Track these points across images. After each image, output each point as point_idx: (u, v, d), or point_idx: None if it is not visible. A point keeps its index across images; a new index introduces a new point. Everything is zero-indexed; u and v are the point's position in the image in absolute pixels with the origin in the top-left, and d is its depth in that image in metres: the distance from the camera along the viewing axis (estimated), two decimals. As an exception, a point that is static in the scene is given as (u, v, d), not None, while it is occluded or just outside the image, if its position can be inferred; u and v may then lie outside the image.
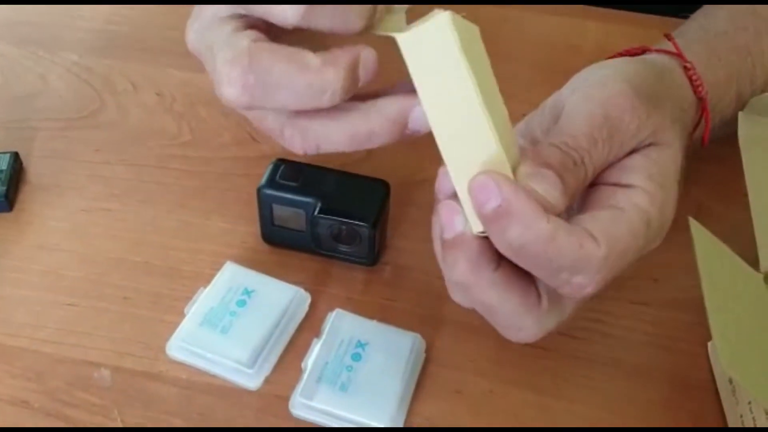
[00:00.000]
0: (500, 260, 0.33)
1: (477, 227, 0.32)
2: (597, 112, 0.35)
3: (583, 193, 0.36)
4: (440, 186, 0.33)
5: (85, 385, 0.41)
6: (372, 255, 0.46)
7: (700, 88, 0.42)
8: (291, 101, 0.31)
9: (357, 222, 0.44)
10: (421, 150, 0.54)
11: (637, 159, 0.36)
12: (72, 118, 0.55)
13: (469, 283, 0.33)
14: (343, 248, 0.46)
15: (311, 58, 0.31)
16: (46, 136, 0.54)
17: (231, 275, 0.44)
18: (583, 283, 0.32)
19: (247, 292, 0.43)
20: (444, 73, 0.30)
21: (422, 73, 0.31)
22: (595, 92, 0.36)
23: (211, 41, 0.33)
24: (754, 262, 0.40)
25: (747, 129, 0.40)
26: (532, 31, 0.64)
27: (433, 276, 0.47)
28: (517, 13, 0.65)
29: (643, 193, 0.35)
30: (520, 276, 0.33)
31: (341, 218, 0.44)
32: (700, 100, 0.42)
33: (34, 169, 0.52)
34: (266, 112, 0.34)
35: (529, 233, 0.30)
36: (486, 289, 0.33)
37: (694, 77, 0.42)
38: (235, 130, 0.55)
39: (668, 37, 0.45)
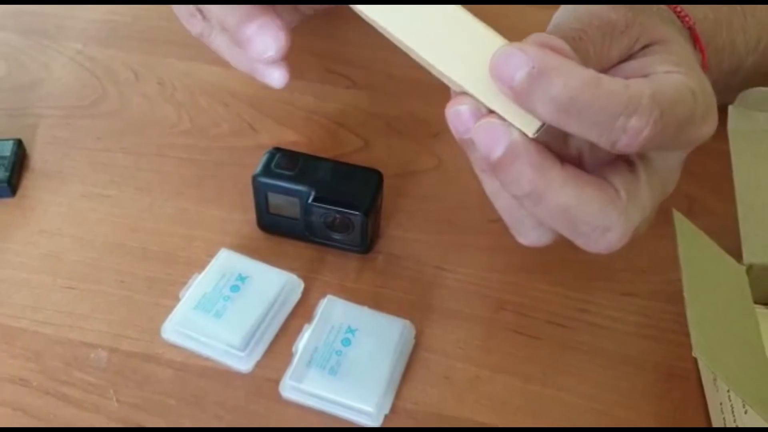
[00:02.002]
0: (562, 160, 0.31)
1: (531, 126, 0.30)
2: (581, 11, 0.35)
3: None
4: (457, 124, 0.32)
5: (82, 365, 0.42)
6: (365, 243, 0.47)
7: (686, 18, 0.40)
8: None
9: (350, 210, 0.45)
10: (415, 142, 0.55)
11: (647, 55, 0.34)
12: (74, 106, 0.56)
13: (540, 188, 0.30)
14: (336, 236, 0.47)
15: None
16: (49, 124, 0.55)
17: (225, 261, 0.45)
18: (639, 126, 0.29)
19: (241, 278, 0.44)
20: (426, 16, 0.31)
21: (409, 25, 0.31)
22: (579, 7, 0.35)
23: None
24: (741, 256, 0.41)
25: (736, 122, 0.41)
26: (532, 27, 0.65)
27: (425, 265, 0.48)
28: (517, 10, 0.66)
29: (674, 73, 0.32)
30: (588, 171, 0.32)
31: (335, 207, 0.45)
32: (690, 30, 0.40)
33: (37, 155, 0.53)
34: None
35: (573, 81, 0.28)
36: (560, 188, 0.30)
37: (678, 9, 0.40)
38: (233, 120, 0.56)
39: None
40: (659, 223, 0.50)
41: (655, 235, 0.49)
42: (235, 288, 0.44)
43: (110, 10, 0.63)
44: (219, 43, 0.41)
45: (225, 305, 0.43)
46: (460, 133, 0.32)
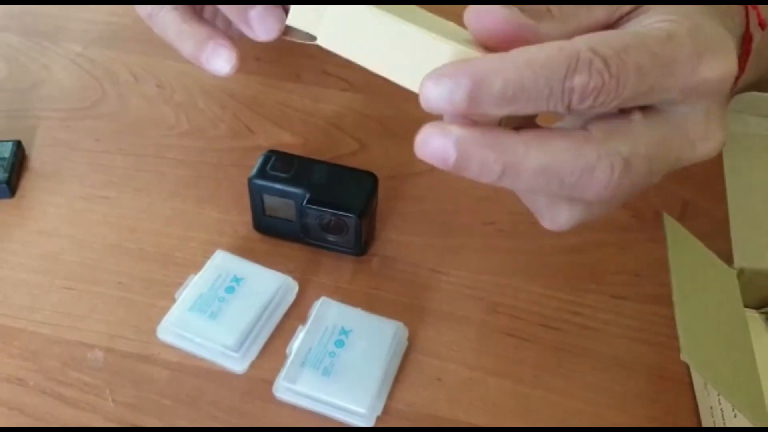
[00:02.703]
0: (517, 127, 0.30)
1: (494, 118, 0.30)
2: None
3: None
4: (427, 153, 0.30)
5: (78, 365, 0.43)
6: (359, 245, 0.47)
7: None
8: None
9: (344, 213, 0.45)
10: (411, 144, 0.55)
11: (641, 14, 0.32)
12: (74, 108, 0.57)
13: (509, 163, 0.29)
14: (331, 238, 0.47)
15: None
16: (49, 125, 0.55)
17: (221, 262, 0.46)
18: (583, 81, 0.28)
19: (237, 280, 0.45)
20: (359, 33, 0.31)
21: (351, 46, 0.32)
22: None
23: None
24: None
25: (729, 126, 0.41)
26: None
27: (420, 267, 0.48)
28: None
29: (657, 24, 0.30)
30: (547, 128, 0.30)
31: (329, 209, 0.45)
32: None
33: (36, 156, 0.53)
34: None
35: (509, 72, 0.28)
36: (527, 153, 0.29)
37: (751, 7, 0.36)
38: (231, 122, 0.56)
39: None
40: (651, 227, 0.51)
41: (647, 238, 0.50)
42: (230, 289, 0.44)
43: (110, 12, 0.64)
44: (166, 21, 0.40)
45: (220, 306, 0.43)
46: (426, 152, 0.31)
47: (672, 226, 0.36)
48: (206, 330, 0.43)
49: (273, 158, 0.47)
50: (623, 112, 0.31)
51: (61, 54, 0.60)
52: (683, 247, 0.36)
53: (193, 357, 0.43)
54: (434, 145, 0.29)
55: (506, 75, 0.28)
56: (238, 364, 0.42)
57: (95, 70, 0.59)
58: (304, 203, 0.46)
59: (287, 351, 0.43)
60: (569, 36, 0.30)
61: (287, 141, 0.55)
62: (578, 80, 0.28)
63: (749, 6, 0.37)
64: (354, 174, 0.47)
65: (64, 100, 0.57)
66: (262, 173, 0.46)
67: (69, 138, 0.54)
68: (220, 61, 0.38)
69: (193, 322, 0.43)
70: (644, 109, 0.31)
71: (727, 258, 0.42)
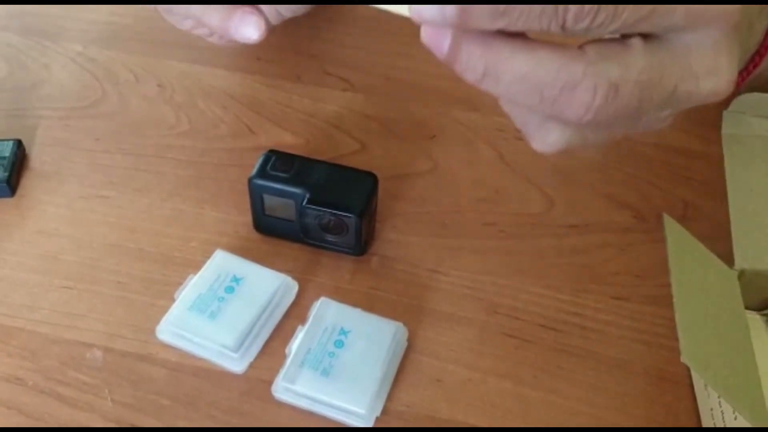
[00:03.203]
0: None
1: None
2: None
3: None
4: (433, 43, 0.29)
5: (77, 364, 0.43)
6: (359, 245, 0.47)
7: None
8: None
9: (344, 213, 0.45)
10: (412, 144, 0.56)
11: None
12: (74, 107, 0.57)
13: (492, 63, 0.28)
14: (331, 238, 0.47)
15: None
16: (49, 125, 0.55)
17: (221, 262, 0.45)
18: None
19: (236, 279, 0.45)
20: None
21: None
22: None
23: None
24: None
25: (730, 127, 0.41)
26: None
27: (419, 267, 0.48)
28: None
29: None
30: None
31: (329, 209, 0.45)
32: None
33: (36, 156, 0.53)
34: None
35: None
36: (511, 57, 0.28)
37: None
38: (231, 122, 0.56)
39: None
40: (653, 228, 0.51)
41: (648, 239, 0.50)
42: (229, 289, 0.44)
43: (111, 12, 0.64)
44: None
45: (220, 306, 0.43)
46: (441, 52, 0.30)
47: (672, 227, 0.36)
48: (205, 330, 0.42)
49: (273, 158, 0.47)
50: (624, 38, 0.29)
51: (62, 53, 0.60)
52: (684, 249, 0.36)
53: (192, 357, 0.43)
54: (433, 30, 0.29)
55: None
56: (237, 364, 0.42)
57: (96, 69, 0.59)
58: (304, 203, 0.45)
59: (286, 351, 0.42)
60: None
61: (287, 141, 0.55)
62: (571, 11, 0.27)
63: None
64: (354, 174, 0.47)
65: (65, 99, 0.57)
66: (262, 173, 0.46)
67: (69, 137, 0.54)
68: (249, 28, 0.39)
69: (192, 322, 0.43)
70: (646, 36, 0.29)
71: (728, 259, 0.42)
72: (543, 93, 0.29)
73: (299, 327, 0.43)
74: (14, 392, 0.41)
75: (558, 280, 0.47)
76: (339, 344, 0.42)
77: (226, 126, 0.56)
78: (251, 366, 0.43)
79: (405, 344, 0.44)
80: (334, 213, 0.45)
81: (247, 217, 0.49)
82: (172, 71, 0.59)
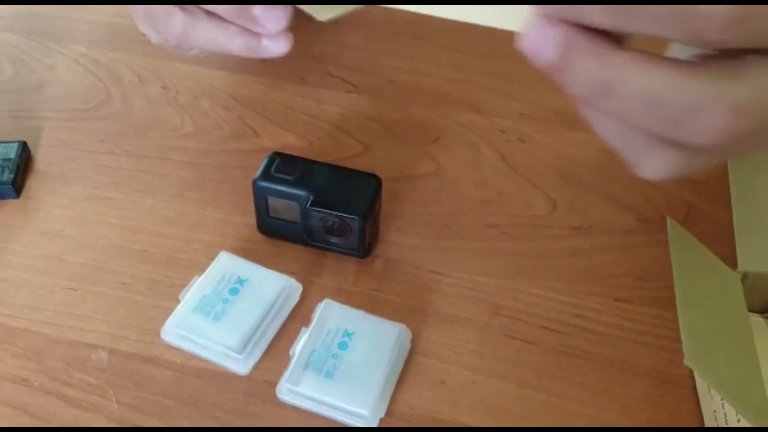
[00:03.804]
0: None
1: None
2: None
3: None
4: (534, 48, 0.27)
5: (82, 365, 0.43)
6: (362, 247, 0.47)
7: None
8: None
9: (348, 215, 0.45)
10: (415, 147, 0.56)
11: None
12: (79, 108, 0.57)
13: (606, 78, 0.26)
14: (334, 240, 0.47)
15: None
16: (54, 126, 0.55)
17: (225, 264, 0.46)
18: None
19: (240, 281, 0.45)
20: None
21: None
22: None
23: None
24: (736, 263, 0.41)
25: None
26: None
27: (423, 269, 0.48)
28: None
29: None
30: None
31: (333, 211, 0.45)
32: None
33: (41, 157, 0.53)
34: None
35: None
36: (627, 71, 0.26)
37: None
38: (235, 124, 0.56)
39: None
40: (655, 230, 0.51)
41: (651, 241, 0.50)
42: (234, 291, 0.44)
43: (115, 13, 0.64)
44: (205, 29, 0.40)
45: (224, 308, 0.44)
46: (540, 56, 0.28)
47: (676, 229, 0.36)
48: (210, 331, 0.43)
49: (277, 160, 0.47)
50: (741, 54, 0.27)
51: (66, 55, 0.60)
52: (687, 252, 0.36)
53: (197, 358, 0.43)
54: (535, 36, 0.27)
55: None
56: (241, 366, 0.42)
57: (100, 71, 0.59)
58: (308, 205, 0.46)
59: (290, 353, 0.43)
60: None
61: (291, 143, 0.55)
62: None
63: None
64: (358, 176, 0.47)
65: (69, 100, 0.57)
66: (266, 175, 0.46)
67: (74, 139, 0.55)
68: (278, 45, 0.39)
69: (196, 324, 0.43)
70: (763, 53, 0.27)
71: (731, 262, 0.42)
72: (664, 114, 0.26)
73: (303, 329, 0.43)
74: (20, 393, 0.41)
75: (560, 281, 0.48)
76: (343, 346, 0.42)
77: (230, 127, 0.56)
78: (255, 367, 0.43)
79: (408, 346, 0.44)
80: (338, 215, 0.45)
81: (250, 219, 0.49)
82: (176, 73, 0.59)
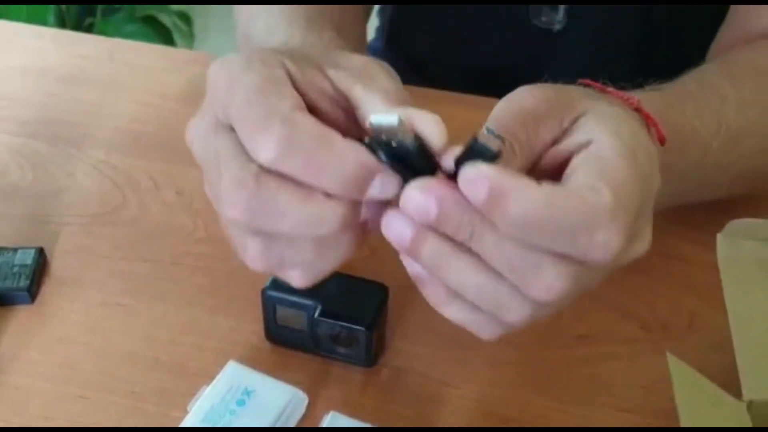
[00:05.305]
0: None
1: None
2: (497, 111, 0.35)
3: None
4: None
5: (90, 478, 0.43)
6: (369, 357, 0.48)
7: (631, 100, 0.40)
8: (289, 228, 0.34)
9: (355, 325, 0.46)
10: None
11: (580, 126, 0.35)
12: (96, 213, 0.58)
13: (442, 266, 0.34)
14: (341, 350, 0.48)
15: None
16: (71, 231, 0.57)
17: (232, 375, 0.46)
18: (606, 239, 0.30)
19: (247, 392, 0.45)
20: None
21: None
22: (495, 108, 0.36)
23: (216, 149, 0.35)
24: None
25: (726, 251, 0.42)
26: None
27: (430, 378, 0.48)
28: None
29: (605, 136, 0.34)
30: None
31: (340, 321, 0.46)
32: (638, 111, 0.40)
33: (57, 263, 0.55)
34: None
35: (527, 204, 0.30)
36: (466, 267, 0.33)
37: (620, 93, 0.40)
38: (247, 229, 0.57)
39: None
40: (659, 338, 0.51)
41: (654, 350, 0.51)
42: (240, 402, 0.45)
43: (133, 118, 0.66)
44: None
45: (231, 420, 0.44)
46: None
47: (677, 365, 0.37)
48: (217, 445, 0.43)
49: (286, 270, 0.48)
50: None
51: (85, 161, 0.63)
52: (690, 386, 0.36)
53: (203, 471, 0.43)
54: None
55: (525, 205, 0.30)
56: (247, 480, 0.43)
57: (117, 176, 0.61)
58: (315, 315, 0.47)
59: (296, 467, 0.43)
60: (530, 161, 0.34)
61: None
62: (599, 237, 0.31)
63: (648, 122, 0.40)
64: (365, 285, 0.48)
65: (87, 206, 0.59)
66: (275, 284, 0.48)
67: (90, 244, 0.56)
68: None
69: (204, 437, 0.43)
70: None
71: (735, 371, 0.42)
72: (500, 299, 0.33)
73: (309, 442, 0.44)
74: (27, 507, 0.42)
75: (568, 392, 0.48)
76: (348, 460, 0.43)
77: (242, 233, 0.57)
78: (261, 481, 0.43)
79: (414, 459, 0.44)
80: (345, 326, 0.46)
81: (259, 325, 0.50)
82: (192, 178, 0.61)
